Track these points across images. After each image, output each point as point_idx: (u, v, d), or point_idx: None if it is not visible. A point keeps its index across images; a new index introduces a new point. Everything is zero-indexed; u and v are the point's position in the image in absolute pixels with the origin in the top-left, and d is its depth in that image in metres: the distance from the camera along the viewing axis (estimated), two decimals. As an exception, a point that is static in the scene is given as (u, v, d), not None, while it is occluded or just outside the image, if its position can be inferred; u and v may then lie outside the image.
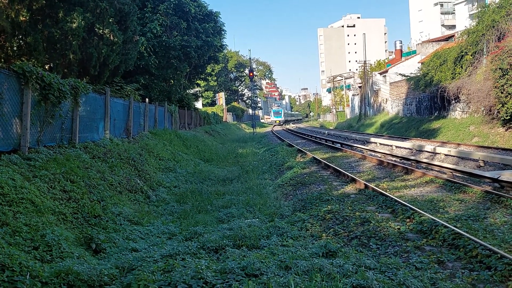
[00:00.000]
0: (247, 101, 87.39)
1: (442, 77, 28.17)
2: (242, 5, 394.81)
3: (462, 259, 5.48)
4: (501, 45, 20.98)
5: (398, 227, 6.89)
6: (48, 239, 5.53)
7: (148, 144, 15.91)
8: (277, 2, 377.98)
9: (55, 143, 9.56)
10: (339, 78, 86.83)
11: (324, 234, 7.08)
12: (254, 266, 4.92)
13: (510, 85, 19.00)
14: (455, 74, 26.81)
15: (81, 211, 7.32)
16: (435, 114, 30.76)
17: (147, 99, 19.52)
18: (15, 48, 11.93)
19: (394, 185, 10.97)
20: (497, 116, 20.69)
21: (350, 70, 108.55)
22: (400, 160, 15.96)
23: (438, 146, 18.51)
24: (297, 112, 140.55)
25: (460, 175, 11.45)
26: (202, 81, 44.97)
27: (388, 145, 22.04)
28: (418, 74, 36.15)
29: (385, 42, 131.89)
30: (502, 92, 19.41)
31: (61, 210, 6.85)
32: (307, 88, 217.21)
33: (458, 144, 19.36)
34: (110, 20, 14.37)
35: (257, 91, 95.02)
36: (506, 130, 19.72)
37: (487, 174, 10.47)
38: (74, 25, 12.51)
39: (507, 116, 19.18)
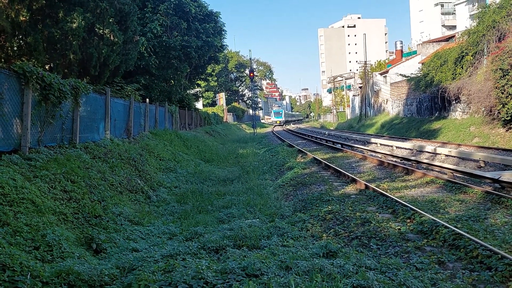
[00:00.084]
0: (247, 102, 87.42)
1: (442, 77, 28.16)
2: (242, 5, 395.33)
3: (463, 259, 5.48)
4: (501, 45, 20.98)
5: (399, 227, 6.89)
6: (49, 239, 5.53)
7: (149, 144, 15.91)
8: (277, 2, 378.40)
9: (55, 143, 9.57)
10: (339, 78, 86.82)
11: (324, 235, 7.08)
12: (254, 266, 4.92)
13: (511, 86, 18.99)
14: (455, 74, 26.80)
15: (81, 211, 7.32)
16: (436, 114, 30.74)
17: (147, 100, 19.53)
18: (15, 48, 11.93)
19: (395, 185, 10.97)
20: (497, 116, 20.68)
21: (350, 70, 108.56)
22: (401, 160, 15.96)
23: (438, 146, 18.51)
24: (297, 113, 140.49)
25: (460, 175, 11.44)
26: (203, 82, 44.98)
27: (388, 146, 22.04)
28: (419, 75, 36.15)
29: (386, 42, 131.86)
30: (502, 93, 19.41)
31: (61, 210, 6.85)
32: (307, 89, 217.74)
33: (459, 145, 19.36)
34: (110, 20, 14.37)
35: (258, 92, 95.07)
36: (507, 130, 19.71)
37: (487, 174, 10.46)
38: (74, 25, 12.52)
39: (507, 116, 19.17)
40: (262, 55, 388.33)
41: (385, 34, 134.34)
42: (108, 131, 13.13)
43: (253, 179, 13.48)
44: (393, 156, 17.28)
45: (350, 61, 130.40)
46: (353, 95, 70.94)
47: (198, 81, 39.21)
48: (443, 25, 77.60)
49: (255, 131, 46.90)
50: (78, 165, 8.85)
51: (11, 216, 5.63)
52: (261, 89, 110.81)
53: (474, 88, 23.27)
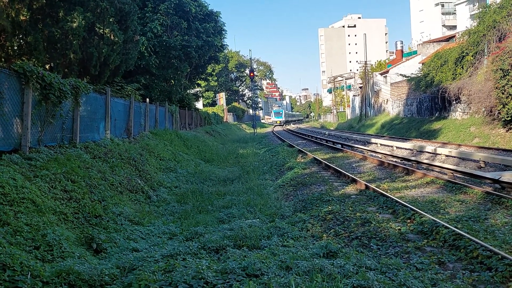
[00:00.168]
0: (247, 102, 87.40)
1: (443, 77, 28.16)
2: (242, 5, 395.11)
3: (463, 260, 5.48)
4: (502, 45, 20.97)
5: (399, 227, 6.89)
6: (49, 238, 5.53)
7: (149, 144, 15.92)
8: (278, 2, 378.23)
9: (56, 143, 9.57)
10: (339, 78, 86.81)
11: (324, 235, 7.08)
12: (255, 266, 4.93)
13: (511, 86, 18.98)
14: (456, 74, 26.79)
15: (82, 211, 7.32)
16: (436, 114, 30.74)
17: (147, 99, 19.53)
18: (15, 48, 11.94)
19: (395, 185, 10.96)
20: (498, 117, 20.67)
21: (350, 70, 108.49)
22: (401, 160, 15.96)
23: (438, 146, 18.51)
24: (297, 113, 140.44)
25: (460, 176, 11.44)
26: (203, 81, 45.00)
27: (388, 146, 22.04)
28: (419, 75, 36.12)
29: (386, 42, 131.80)
30: (503, 93, 19.40)
31: (62, 210, 6.85)
32: (307, 89, 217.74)
33: (459, 145, 19.35)
34: (111, 20, 14.38)
35: (258, 92, 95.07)
36: (507, 131, 19.70)
37: (487, 175, 10.46)
38: (75, 24, 12.52)
39: (508, 117, 19.16)
40: (262, 55, 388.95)
41: (386, 34, 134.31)
42: (108, 131, 13.14)
43: (253, 179, 13.48)
44: (393, 156, 17.27)
45: (350, 61, 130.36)
46: (353, 95, 70.94)
47: (198, 81, 39.21)
48: (444, 25, 77.55)
49: (255, 131, 46.89)
50: (78, 164, 8.85)
51: (12, 215, 5.63)
52: (261, 89, 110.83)
53: (474, 88, 23.26)
